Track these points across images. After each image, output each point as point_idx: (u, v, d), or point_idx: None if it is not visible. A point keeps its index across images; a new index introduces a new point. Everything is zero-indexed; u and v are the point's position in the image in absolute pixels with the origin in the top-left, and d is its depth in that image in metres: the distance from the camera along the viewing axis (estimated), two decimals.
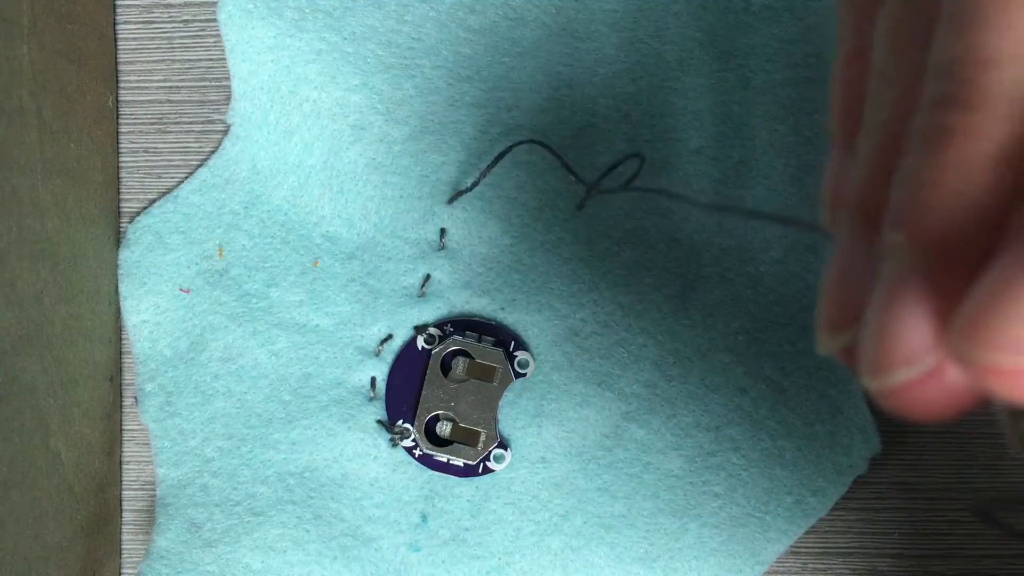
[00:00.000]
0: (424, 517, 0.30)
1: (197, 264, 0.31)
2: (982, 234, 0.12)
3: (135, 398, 0.31)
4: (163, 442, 0.31)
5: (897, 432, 0.31)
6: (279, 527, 0.30)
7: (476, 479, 0.30)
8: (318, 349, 0.31)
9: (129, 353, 0.32)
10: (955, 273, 0.12)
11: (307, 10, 0.30)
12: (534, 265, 0.31)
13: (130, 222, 0.31)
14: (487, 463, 0.30)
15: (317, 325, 0.31)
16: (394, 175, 0.30)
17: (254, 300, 0.31)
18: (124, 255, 0.31)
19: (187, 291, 0.31)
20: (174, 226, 0.31)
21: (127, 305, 0.31)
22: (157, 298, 0.31)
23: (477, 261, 0.31)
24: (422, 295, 0.31)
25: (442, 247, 0.31)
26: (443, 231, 0.31)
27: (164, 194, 0.31)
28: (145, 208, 0.31)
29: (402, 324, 0.31)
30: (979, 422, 0.31)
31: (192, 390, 0.31)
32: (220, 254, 0.31)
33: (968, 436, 0.31)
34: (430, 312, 0.31)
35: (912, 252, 0.13)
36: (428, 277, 0.31)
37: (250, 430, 0.30)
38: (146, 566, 0.30)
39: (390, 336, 0.31)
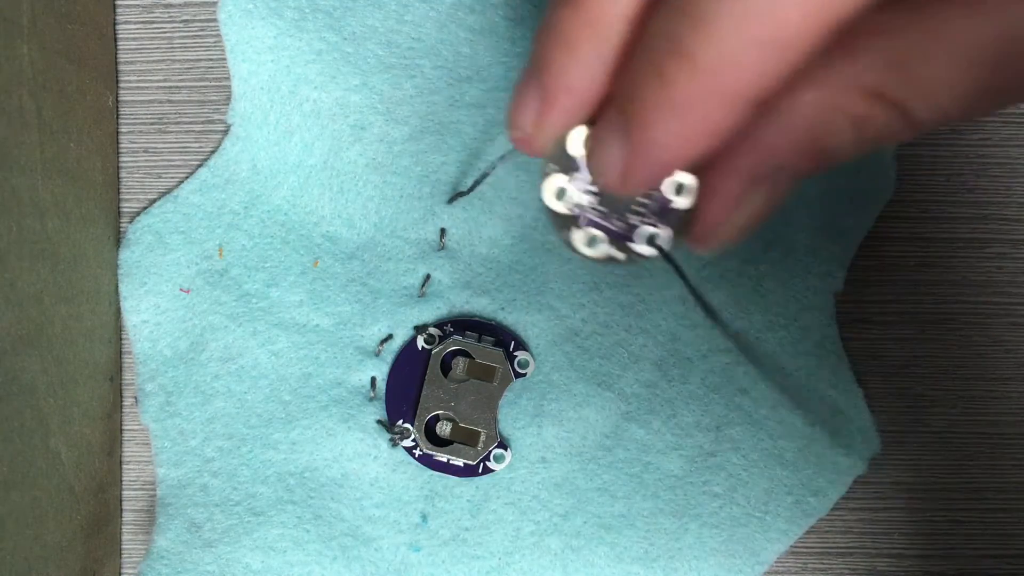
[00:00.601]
0: (424, 517, 0.30)
1: (197, 264, 0.31)
2: (565, 68, 0.18)
3: (135, 398, 0.31)
4: (163, 442, 0.30)
5: (897, 432, 0.31)
6: (279, 527, 0.30)
7: (476, 479, 0.30)
8: (318, 349, 0.30)
9: (129, 353, 0.32)
10: (548, 85, 0.18)
11: (307, 10, 0.30)
12: (534, 265, 0.30)
13: (130, 222, 0.31)
14: (487, 463, 0.30)
15: (317, 325, 0.30)
16: (394, 175, 0.30)
17: (254, 300, 0.31)
18: (124, 255, 0.31)
19: (187, 291, 0.31)
20: (174, 226, 0.31)
21: (127, 305, 0.30)
22: (157, 298, 0.30)
23: (477, 261, 0.31)
24: (422, 295, 0.30)
25: (442, 247, 0.30)
26: (443, 231, 0.30)
27: (164, 194, 0.31)
28: (145, 208, 0.31)
29: (402, 324, 0.30)
30: (979, 422, 0.31)
31: (192, 390, 0.30)
32: (220, 254, 0.31)
33: (968, 436, 0.31)
34: (430, 312, 0.30)
35: (533, 63, 0.19)
36: (428, 277, 0.30)
37: (250, 430, 0.30)
38: (146, 566, 0.30)
39: (390, 336, 0.30)
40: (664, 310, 0.30)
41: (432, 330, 0.30)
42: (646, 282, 0.30)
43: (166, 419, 0.30)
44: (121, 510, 0.32)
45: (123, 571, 0.31)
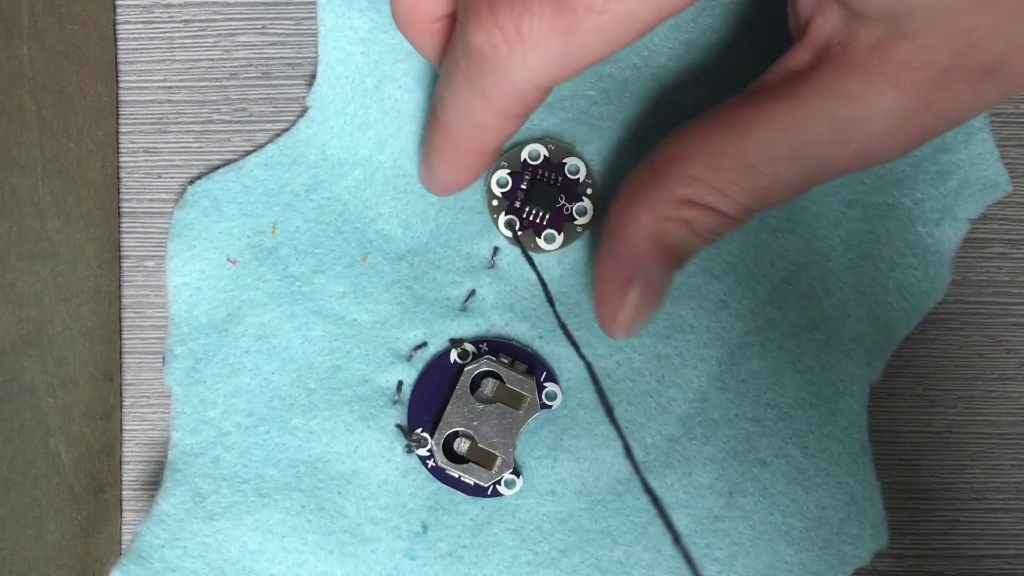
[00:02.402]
0: (425, 527, 0.28)
1: (248, 237, 0.28)
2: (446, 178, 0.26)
3: (163, 358, 0.28)
4: (183, 407, 0.27)
5: (897, 432, 0.29)
6: (282, 512, 0.27)
7: (483, 499, 0.27)
8: (351, 343, 0.28)
9: (129, 353, 0.28)
10: (434, 176, 0.26)
11: None
12: (580, 301, 0.27)
13: (131, 222, 0.30)
14: (497, 486, 0.27)
15: (355, 319, 0.28)
16: None
17: (297, 283, 0.28)
18: (178, 215, 0.28)
19: (234, 262, 0.28)
20: (232, 196, 0.28)
21: (172, 265, 0.28)
22: (203, 263, 0.28)
23: (524, 286, 0.28)
24: (463, 309, 0.28)
25: (492, 265, 0.28)
26: (496, 249, 0.28)
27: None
28: (205, 174, 0.29)
29: (438, 334, 0.27)
30: (979, 422, 0.30)
31: (220, 361, 0.28)
32: (273, 232, 0.28)
33: (968, 436, 0.30)
34: (468, 327, 0.28)
35: (425, 160, 0.26)
36: (473, 292, 0.28)
37: (270, 411, 0.28)
38: (145, 527, 0.27)
39: (424, 344, 0.28)
40: (700, 368, 0.27)
41: (467, 346, 0.27)
42: (688, 337, 0.27)
43: (189, 385, 0.28)
44: (121, 510, 0.29)
45: None
